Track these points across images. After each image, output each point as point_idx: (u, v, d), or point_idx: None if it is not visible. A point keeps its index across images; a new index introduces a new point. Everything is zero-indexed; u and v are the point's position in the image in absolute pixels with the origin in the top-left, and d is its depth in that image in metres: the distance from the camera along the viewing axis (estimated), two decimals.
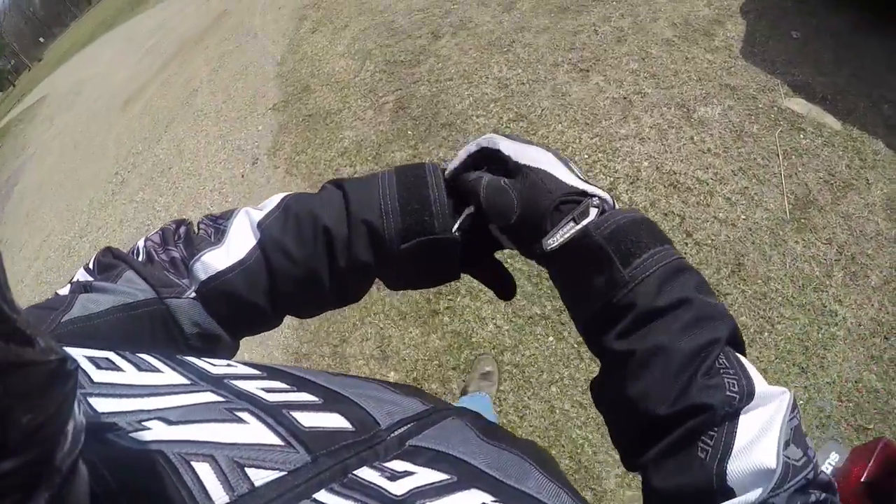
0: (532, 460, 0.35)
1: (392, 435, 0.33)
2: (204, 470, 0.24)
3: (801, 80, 2.09)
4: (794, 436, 0.32)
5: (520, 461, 0.35)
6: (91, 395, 0.26)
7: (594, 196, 0.41)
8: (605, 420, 0.41)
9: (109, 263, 0.41)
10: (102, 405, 0.26)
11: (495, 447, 0.35)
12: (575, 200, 0.41)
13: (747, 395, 0.33)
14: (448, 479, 0.29)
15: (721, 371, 0.34)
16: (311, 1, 4.58)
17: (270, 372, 0.34)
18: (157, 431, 0.24)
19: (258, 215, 0.45)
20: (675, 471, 0.34)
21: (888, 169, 1.78)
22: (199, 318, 0.41)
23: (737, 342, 0.37)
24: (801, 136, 1.93)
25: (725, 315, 0.37)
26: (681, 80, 2.27)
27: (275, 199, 0.46)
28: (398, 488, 0.27)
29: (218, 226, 0.45)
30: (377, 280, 0.48)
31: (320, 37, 4.02)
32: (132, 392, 0.27)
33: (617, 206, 0.43)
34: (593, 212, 0.40)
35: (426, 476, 0.29)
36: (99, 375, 0.28)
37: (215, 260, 0.42)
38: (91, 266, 0.42)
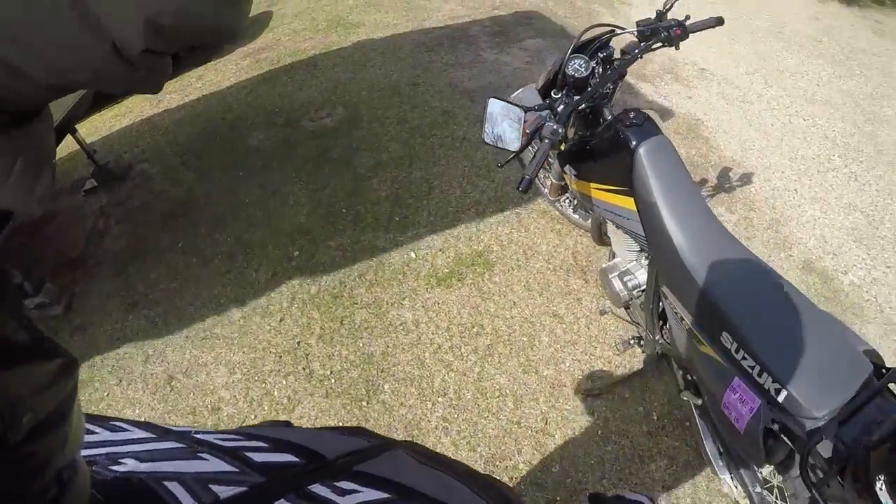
0: (464, 480, 0.41)
1: (338, 462, 0.38)
2: (175, 487, 0.28)
3: None
4: None
5: (450, 481, 0.40)
6: None
7: None
8: None
9: None
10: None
11: (433, 470, 0.41)
12: None
13: None
14: (389, 497, 0.35)
15: None
16: None
17: (224, 431, 0.40)
18: (130, 465, 0.29)
19: None
20: None
21: None
22: None
23: None
24: None
25: None
26: None
27: None
28: (347, 502, 0.32)
29: None
30: None
31: None
32: (107, 442, 0.32)
33: None
34: None
35: (370, 494, 0.34)
36: None
37: None
38: None
